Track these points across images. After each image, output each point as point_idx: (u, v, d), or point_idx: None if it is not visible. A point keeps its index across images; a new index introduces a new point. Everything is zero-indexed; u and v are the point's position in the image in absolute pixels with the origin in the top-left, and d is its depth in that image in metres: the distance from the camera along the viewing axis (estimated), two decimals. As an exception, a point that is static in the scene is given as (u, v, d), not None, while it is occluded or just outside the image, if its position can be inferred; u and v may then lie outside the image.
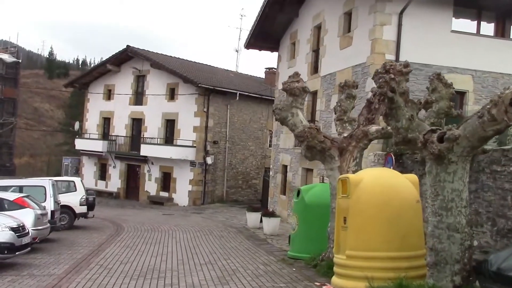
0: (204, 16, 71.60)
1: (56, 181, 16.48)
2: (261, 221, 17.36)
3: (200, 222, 20.66)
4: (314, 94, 19.12)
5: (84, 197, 17.57)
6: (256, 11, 70.62)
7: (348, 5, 16.36)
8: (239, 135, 29.97)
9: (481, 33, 15.33)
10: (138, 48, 30.39)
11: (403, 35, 14.41)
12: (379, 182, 7.74)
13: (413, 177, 8.05)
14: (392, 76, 6.64)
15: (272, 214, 17.39)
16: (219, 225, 19.78)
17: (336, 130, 10.22)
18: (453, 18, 14.93)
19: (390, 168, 11.75)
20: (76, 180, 18.76)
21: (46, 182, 15.12)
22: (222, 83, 29.45)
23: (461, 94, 14.85)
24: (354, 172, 9.32)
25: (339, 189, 8.20)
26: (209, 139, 28.06)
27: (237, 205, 27.98)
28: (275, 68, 36.04)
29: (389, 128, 9.23)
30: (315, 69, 19.24)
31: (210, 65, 34.71)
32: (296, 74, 10.02)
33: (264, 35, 22.98)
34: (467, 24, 15.30)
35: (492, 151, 9.25)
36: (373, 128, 9.26)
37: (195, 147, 27.58)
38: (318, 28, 19.22)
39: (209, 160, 27.81)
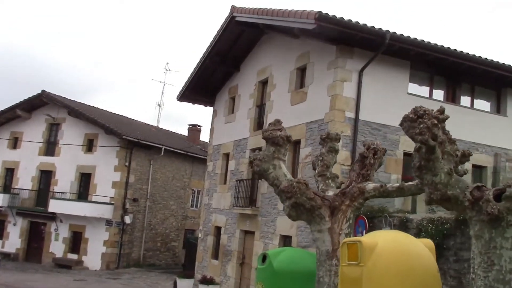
0: (125, 67, 69.51)
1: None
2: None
3: (121, 289, 18.23)
4: (257, 151, 17.97)
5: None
6: (181, 67, 69.66)
7: (302, 60, 15.75)
8: (161, 193, 27.95)
9: (433, 98, 15.24)
10: (54, 94, 27.89)
11: (363, 93, 13.89)
12: (398, 247, 6.56)
13: (429, 242, 6.98)
14: (435, 121, 5.64)
15: (211, 281, 15.60)
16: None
17: (318, 188, 9.04)
18: (409, 82, 14.74)
19: (362, 232, 10.70)
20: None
21: None
22: (146, 136, 27.61)
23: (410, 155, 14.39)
24: (347, 235, 8.11)
25: (344, 255, 6.90)
26: (129, 196, 25.78)
27: (155, 270, 25.57)
28: (199, 125, 35.11)
29: (389, 185, 8.22)
30: (259, 125, 18.23)
31: (131, 118, 32.77)
32: (278, 122, 8.86)
33: (200, 88, 21.84)
34: (421, 89, 15.17)
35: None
36: (370, 185, 8.19)
37: (113, 204, 25.13)
38: (264, 83, 18.43)
39: (128, 219, 25.41)
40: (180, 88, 22.27)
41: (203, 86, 21.76)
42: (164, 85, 36.38)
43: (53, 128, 28.65)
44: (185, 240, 29.59)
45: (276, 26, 15.56)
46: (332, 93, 13.92)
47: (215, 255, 19.83)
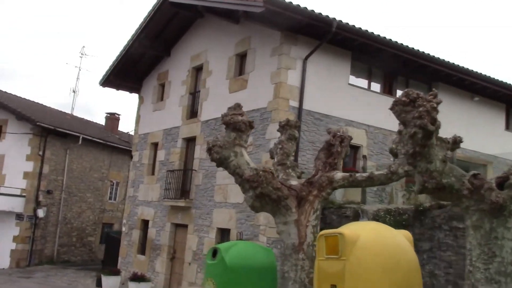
0: (38, 50, 64.10)
1: None
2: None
3: (37, 289, 16.67)
4: (190, 140, 17.18)
5: None
6: (99, 51, 65.85)
7: (242, 46, 15.12)
8: (77, 185, 26.13)
9: (372, 89, 15.24)
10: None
11: (307, 82, 13.55)
12: (381, 240, 6.16)
13: (408, 234, 6.66)
14: (435, 105, 5.27)
15: (142, 278, 14.60)
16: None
17: (277, 177, 8.49)
18: (350, 73, 14.62)
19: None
20: None
21: None
22: (62, 124, 25.64)
23: (355, 148, 14.36)
24: (314, 227, 7.63)
25: (321, 248, 6.41)
26: (43, 188, 23.79)
27: (71, 267, 23.86)
28: (117, 114, 33.34)
29: (358, 175, 7.84)
30: (192, 113, 17.39)
31: (43, 104, 30.38)
32: (238, 106, 8.18)
33: (126, 72, 20.54)
34: (360, 81, 15.10)
35: (451, 205, 8.42)
36: (339, 174, 7.76)
37: (24, 196, 23.06)
38: (198, 69, 17.59)
39: (41, 212, 23.44)
40: (104, 73, 20.82)
41: (129, 70, 20.51)
42: (80, 70, 34.00)
43: (-46, 113, 25.80)
44: (103, 234, 27.98)
45: (218, 8, 14.79)
46: (276, 80, 13.44)
47: (142, 250, 18.76)
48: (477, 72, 15.97)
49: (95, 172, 27.37)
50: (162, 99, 19.49)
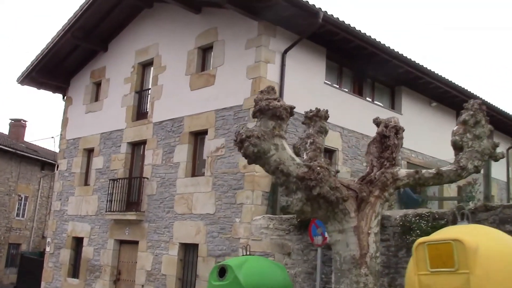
0: None
1: None
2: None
3: None
4: (137, 144, 15.12)
5: None
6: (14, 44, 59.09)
7: (206, 37, 13.51)
8: (-20, 199, 22.57)
9: (342, 88, 14.33)
10: None
11: (286, 78, 12.27)
12: (504, 248, 4.96)
13: None
14: None
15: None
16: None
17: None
18: (325, 71, 13.59)
19: (323, 234, 8.99)
20: None
21: None
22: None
23: (331, 152, 13.33)
24: (376, 235, 6.28)
25: (423, 260, 5.07)
26: None
27: (-26, 296, 20.34)
28: (24, 120, 29.78)
29: (425, 171, 6.63)
30: (139, 114, 15.35)
31: None
32: (272, 90, 6.63)
33: (51, 69, 17.92)
34: (333, 80, 14.13)
35: (502, 207, 7.52)
36: (403, 171, 6.48)
37: None
38: (145, 65, 15.62)
39: None
40: (24, 69, 17.98)
41: (55, 67, 17.91)
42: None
43: None
44: (9, 256, 24.45)
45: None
46: (254, 75, 12.01)
47: (74, 273, 16.18)
48: (440, 75, 15.66)
49: (0, 185, 23.86)
50: (97, 99, 17.16)
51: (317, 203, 6.13)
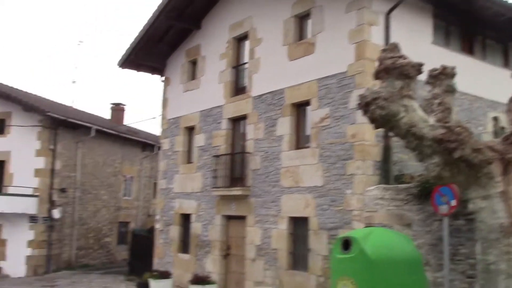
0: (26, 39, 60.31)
1: None
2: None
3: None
4: (237, 120, 15.09)
5: None
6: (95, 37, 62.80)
7: (302, 5, 13.05)
8: (91, 181, 23.78)
9: (452, 49, 13.34)
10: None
11: (391, 40, 11.52)
12: None
13: None
14: None
15: (205, 281, 12.56)
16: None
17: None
18: (432, 31, 12.70)
19: (449, 203, 8.34)
20: None
21: None
22: (73, 114, 23.28)
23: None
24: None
25: None
26: (56, 186, 21.44)
27: (93, 271, 21.62)
28: (122, 104, 30.96)
29: None
30: (238, 89, 15.28)
31: (42, 97, 27.80)
32: (395, 47, 6.14)
33: (148, 51, 18.28)
34: (441, 39, 13.18)
35: None
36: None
37: (37, 196, 20.70)
38: (240, 39, 15.46)
39: (56, 213, 21.12)
40: (123, 53, 18.49)
41: (152, 49, 18.24)
42: (78, 59, 31.43)
43: (-52, 109, 23.26)
44: (119, 234, 25.78)
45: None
46: (357, 39, 11.42)
47: (184, 248, 16.63)
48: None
49: (108, 167, 25.06)
50: (194, 77, 17.31)
51: (457, 167, 5.65)
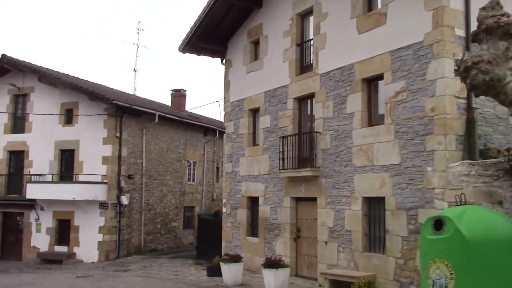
0: (89, 30, 62.54)
1: None
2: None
3: (146, 284, 14.60)
4: (304, 99, 14.62)
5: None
6: (153, 26, 63.91)
7: (371, -26, 12.34)
8: (156, 167, 24.05)
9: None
10: (17, 59, 23.18)
11: (472, 4, 10.68)
12: None
13: None
14: None
15: (278, 264, 12.28)
16: (182, 286, 13.99)
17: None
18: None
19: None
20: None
21: None
22: (136, 102, 23.53)
23: None
24: None
25: None
26: (123, 173, 21.78)
27: (161, 256, 21.91)
28: (183, 90, 31.10)
29: None
30: (303, 67, 14.78)
31: (104, 85, 28.31)
32: (497, 4, 5.46)
33: (209, 34, 18.04)
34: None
35: None
36: None
37: (106, 183, 21.09)
38: (304, 15, 14.92)
39: (125, 199, 21.47)
40: (184, 37, 18.35)
41: (213, 31, 17.99)
42: (138, 47, 31.67)
43: (19, 100, 24.04)
44: (185, 219, 26.06)
45: None
46: (434, 6, 10.61)
47: (252, 232, 16.44)
48: None
49: (172, 153, 25.27)
50: (256, 58, 16.94)
51: None
